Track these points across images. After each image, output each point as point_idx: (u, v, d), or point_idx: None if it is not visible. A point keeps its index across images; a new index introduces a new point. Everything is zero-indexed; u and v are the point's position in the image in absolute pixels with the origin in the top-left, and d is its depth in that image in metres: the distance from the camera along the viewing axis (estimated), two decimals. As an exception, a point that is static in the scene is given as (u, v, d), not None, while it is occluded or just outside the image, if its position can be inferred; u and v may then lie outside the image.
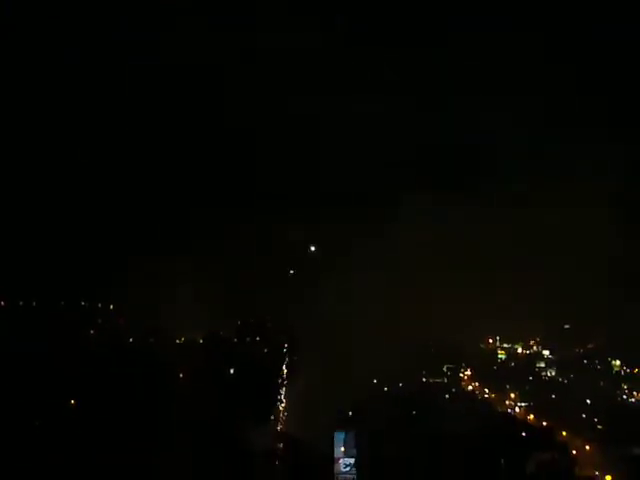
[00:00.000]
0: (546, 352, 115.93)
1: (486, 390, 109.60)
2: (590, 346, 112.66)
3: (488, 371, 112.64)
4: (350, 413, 69.28)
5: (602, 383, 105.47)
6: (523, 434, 73.19)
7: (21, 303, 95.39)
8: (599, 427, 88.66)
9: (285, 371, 71.16)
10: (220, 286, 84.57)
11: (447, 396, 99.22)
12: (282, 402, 68.59)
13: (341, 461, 57.99)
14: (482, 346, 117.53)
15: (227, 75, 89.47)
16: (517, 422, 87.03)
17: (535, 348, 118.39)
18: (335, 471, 57.90)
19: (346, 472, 57.88)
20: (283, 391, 69.08)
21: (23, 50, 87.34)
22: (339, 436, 57.45)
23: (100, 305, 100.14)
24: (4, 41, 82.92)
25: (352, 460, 58.05)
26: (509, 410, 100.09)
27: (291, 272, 64.63)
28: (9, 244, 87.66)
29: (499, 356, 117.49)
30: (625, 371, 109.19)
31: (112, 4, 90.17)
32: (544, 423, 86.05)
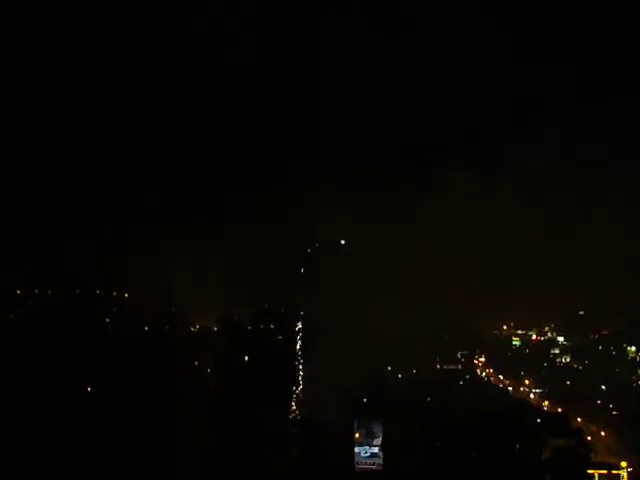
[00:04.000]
0: (561, 338, 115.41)
1: (500, 376, 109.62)
2: (605, 332, 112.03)
3: (503, 357, 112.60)
4: (365, 400, 69.45)
5: (617, 369, 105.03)
6: (538, 420, 73.12)
7: (36, 291, 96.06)
8: (614, 413, 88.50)
9: (300, 358, 71.40)
10: (235, 272, 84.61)
11: (461, 382, 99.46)
12: (297, 388, 68.87)
13: (359, 449, 58.34)
14: (496, 332, 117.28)
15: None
16: (532, 408, 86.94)
17: (550, 334, 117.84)
18: (356, 460, 58.17)
19: (366, 459, 58.23)
20: (298, 377, 69.30)
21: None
22: (356, 423, 57.89)
23: (115, 293, 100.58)
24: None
25: (375, 449, 58.32)
26: (524, 396, 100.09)
27: (307, 257, 64.44)
28: (25, 233, 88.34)
29: (513, 342, 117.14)
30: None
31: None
32: (559, 409, 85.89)
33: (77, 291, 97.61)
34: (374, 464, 58.19)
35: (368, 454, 58.49)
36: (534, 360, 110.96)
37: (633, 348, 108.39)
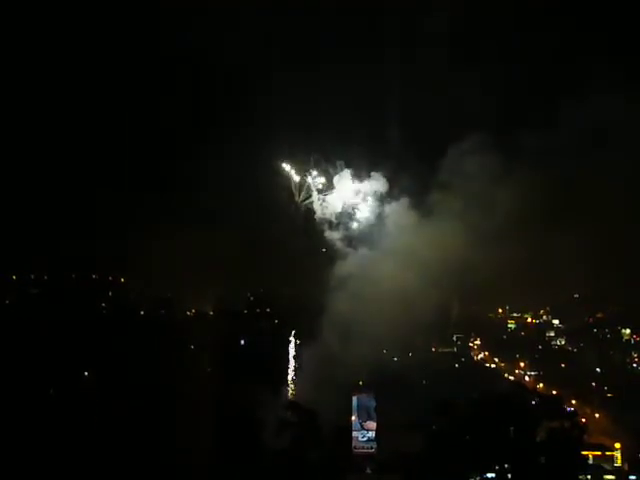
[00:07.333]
0: (556, 321, 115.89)
1: (495, 359, 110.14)
2: (600, 315, 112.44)
3: (498, 340, 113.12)
4: (360, 383, 69.61)
5: (611, 352, 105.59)
6: (533, 402, 73.43)
7: (32, 277, 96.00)
8: (608, 395, 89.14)
9: (296, 342, 71.43)
10: (229, 257, 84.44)
11: (457, 365, 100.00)
12: (293, 372, 69.02)
13: (357, 434, 58.52)
14: (492, 316, 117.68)
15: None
16: (527, 390, 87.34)
17: (545, 317, 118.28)
18: (353, 444, 58.42)
19: (364, 443, 58.42)
20: (293, 362, 69.41)
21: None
22: (354, 404, 58.12)
23: (111, 278, 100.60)
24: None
25: (371, 434, 58.52)
26: (519, 379, 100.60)
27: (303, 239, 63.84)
28: (22, 218, 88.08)
29: (509, 326, 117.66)
30: (635, 339, 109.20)
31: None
32: (554, 392, 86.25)
33: (73, 276, 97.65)
34: (371, 448, 58.44)
35: (365, 438, 58.70)
36: (529, 343, 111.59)
37: (627, 331, 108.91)
